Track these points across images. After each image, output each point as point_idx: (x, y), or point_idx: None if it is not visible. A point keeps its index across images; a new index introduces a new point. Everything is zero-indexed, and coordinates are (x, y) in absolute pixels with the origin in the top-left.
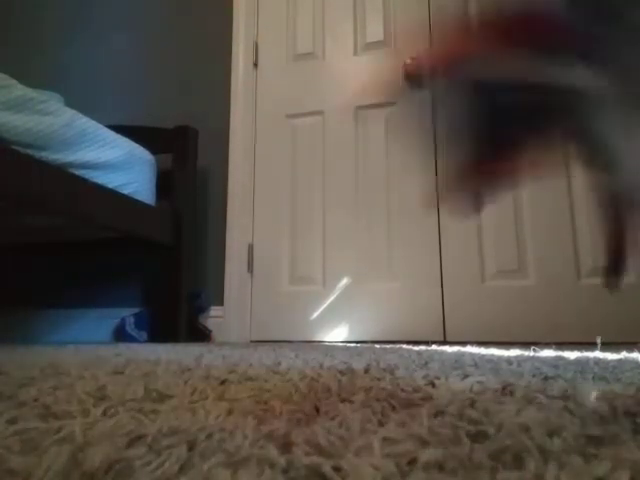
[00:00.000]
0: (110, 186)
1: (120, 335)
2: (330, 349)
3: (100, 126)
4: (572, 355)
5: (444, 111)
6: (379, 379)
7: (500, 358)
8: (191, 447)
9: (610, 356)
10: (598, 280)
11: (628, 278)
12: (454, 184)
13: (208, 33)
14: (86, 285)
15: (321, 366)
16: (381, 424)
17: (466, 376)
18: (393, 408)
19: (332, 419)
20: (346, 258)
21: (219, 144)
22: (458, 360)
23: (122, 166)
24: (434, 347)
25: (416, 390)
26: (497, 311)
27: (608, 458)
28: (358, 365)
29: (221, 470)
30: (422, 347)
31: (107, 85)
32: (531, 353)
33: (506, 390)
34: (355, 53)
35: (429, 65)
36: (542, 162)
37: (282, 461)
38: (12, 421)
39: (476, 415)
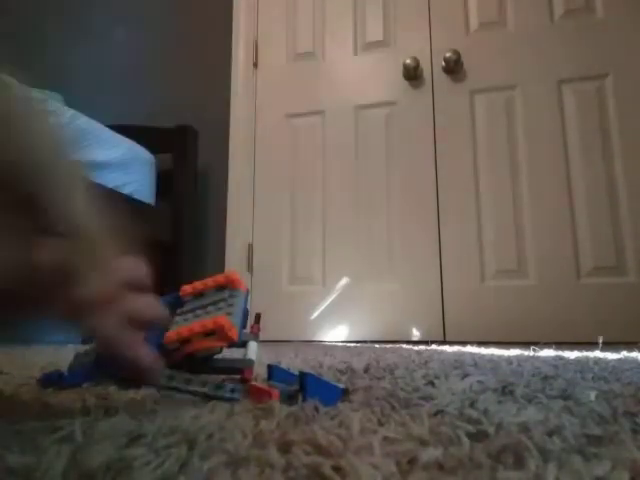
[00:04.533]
0: (110, 186)
1: None
2: (330, 349)
3: (100, 126)
4: (572, 355)
5: None
6: (379, 379)
7: (500, 358)
8: (191, 447)
9: (610, 356)
10: (598, 280)
11: (628, 278)
12: None
13: (208, 33)
14: None
15: (321, 365)
16: (381, 424)
17: (466, 376)
18: (393, 408)
19: (332, 419)
20: (346, 258)
21: (219, 144)
22: (458, 360)
23: (122, 166)
24: (434, 347)
25: (416, 390)
26: (497, 311)
27: (608, 458)
28: (358, 365)
29: (221, 470)
30: (422, 347)
31: (107, 85)
32: (531, 353)
33: (506, 390)
34: (355, 53)
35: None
36: None
37: (282, 461)
38: (12, 421)
39: (476, 415)
